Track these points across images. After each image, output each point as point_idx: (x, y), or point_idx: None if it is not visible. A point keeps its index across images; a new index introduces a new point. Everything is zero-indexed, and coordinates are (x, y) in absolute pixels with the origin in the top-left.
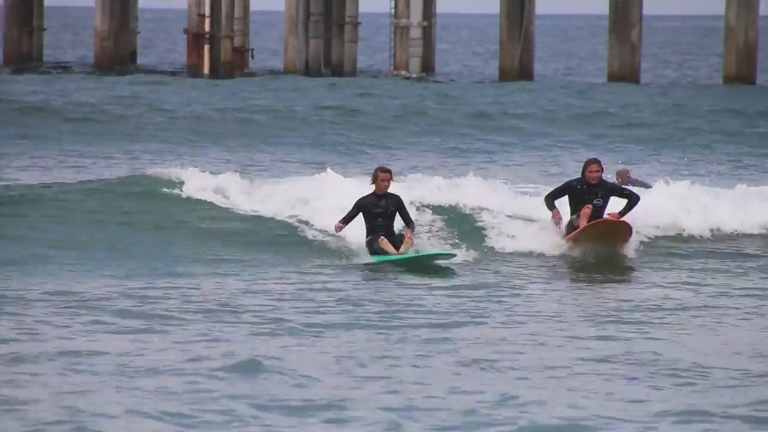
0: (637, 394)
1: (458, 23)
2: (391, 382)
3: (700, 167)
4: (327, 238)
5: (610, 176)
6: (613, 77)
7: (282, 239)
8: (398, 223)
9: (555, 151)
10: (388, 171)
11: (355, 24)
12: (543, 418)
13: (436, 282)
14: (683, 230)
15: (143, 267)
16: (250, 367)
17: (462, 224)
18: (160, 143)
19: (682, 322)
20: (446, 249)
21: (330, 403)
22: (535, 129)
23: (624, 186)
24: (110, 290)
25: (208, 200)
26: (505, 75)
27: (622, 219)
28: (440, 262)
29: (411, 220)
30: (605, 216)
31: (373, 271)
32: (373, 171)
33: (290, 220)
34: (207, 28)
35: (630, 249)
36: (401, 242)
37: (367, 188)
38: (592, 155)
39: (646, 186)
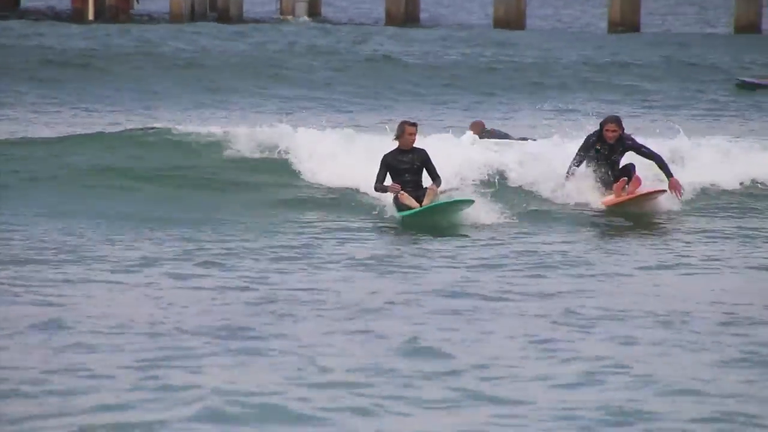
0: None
1: None
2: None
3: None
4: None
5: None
6: (498, 22)
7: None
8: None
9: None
10: (414, 124)
11: None
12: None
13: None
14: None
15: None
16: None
17: (488, 184)
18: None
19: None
20: (466, 196)
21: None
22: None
23: (635, 143)
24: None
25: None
26: (390, 19)
27: (668, 187)
28: (468, 214)
29: (437, 175)
30: (633, 177)
31: (396, 229)
32: (396, 124)
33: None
34: None
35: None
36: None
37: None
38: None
39: (507, 136)
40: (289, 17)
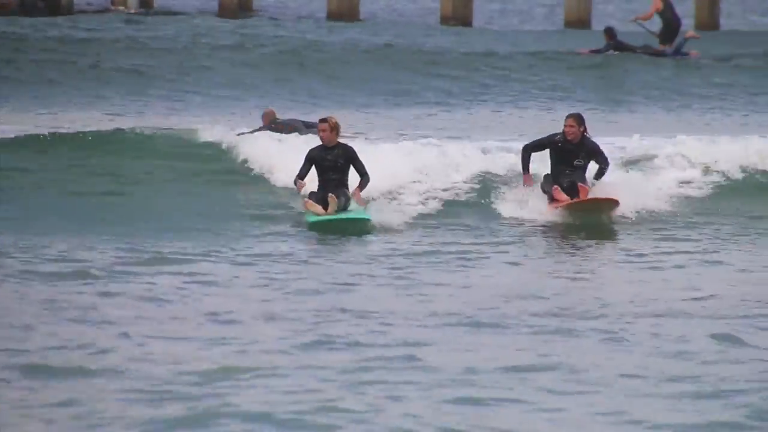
0: None
1: None
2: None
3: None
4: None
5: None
6: None
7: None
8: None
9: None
10: (326, 120)
11: None
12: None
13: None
14: None
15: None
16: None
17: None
18: None
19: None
20: (362, 212)
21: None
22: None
23: (596, 148)
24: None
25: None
26: (223, 11)
27: (610, 197)
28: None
29: (365, 172)
30: (589, 184)
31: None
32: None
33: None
34: None
35: (614, 215)
36: (347, 200)
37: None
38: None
39: (300, 128)
40: (121, 7)
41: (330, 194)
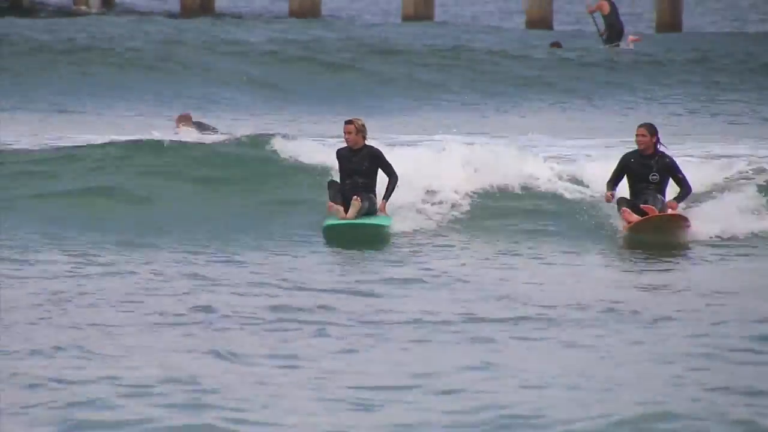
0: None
1: None
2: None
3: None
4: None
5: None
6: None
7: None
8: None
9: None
10: (351, 122)
11: None
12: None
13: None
14: None
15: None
16: None
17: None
18: None
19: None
20: (384, 218)
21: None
22: None
23: (674, 169)
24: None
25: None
26: (186, 11)
27: (676, 212)
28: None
29: (392, 172)
30: (665, 202)
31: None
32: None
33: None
34: None
35: (688, 237)
36: (371, 205)
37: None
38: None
39: (212, 130)
40: (83, 7)
41: (356, 196)
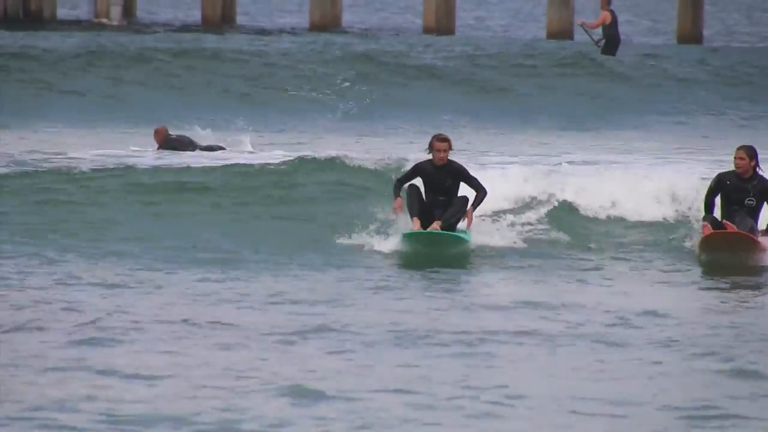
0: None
1: None
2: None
3: None
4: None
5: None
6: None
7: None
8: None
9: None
10: (446, 139)
11: None
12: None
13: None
14: None
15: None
16: None
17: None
18: None
19: None
20: (465, 232)
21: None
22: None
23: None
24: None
25: None
26: (207, 23)
27: (743, 232)
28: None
29: (481, 187)
30: (756, 228)
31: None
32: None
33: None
34: None
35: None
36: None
37: None
38: None
39: (192, 144)
40: (104, 20)
41: (438, 222)
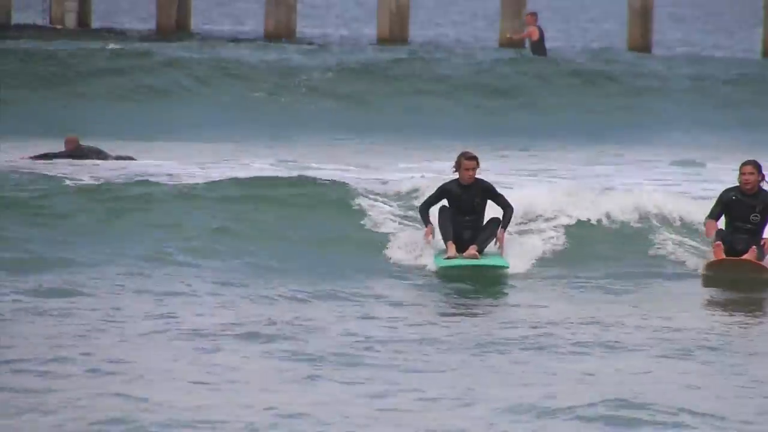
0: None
1: None
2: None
3: None
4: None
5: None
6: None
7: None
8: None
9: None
10: (474, 158)
11: None
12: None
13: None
14: None
15: None
16: None
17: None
18: None
19: None
20: (499, 258)
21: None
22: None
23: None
24: None
25: None
26: (162, 31)
27: (757, 262)
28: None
29: (508, 204)
30: (764, 248)
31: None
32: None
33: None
34: None
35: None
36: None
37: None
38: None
39: (102, 154)
40: (58, 26)
41: (474, 247)
